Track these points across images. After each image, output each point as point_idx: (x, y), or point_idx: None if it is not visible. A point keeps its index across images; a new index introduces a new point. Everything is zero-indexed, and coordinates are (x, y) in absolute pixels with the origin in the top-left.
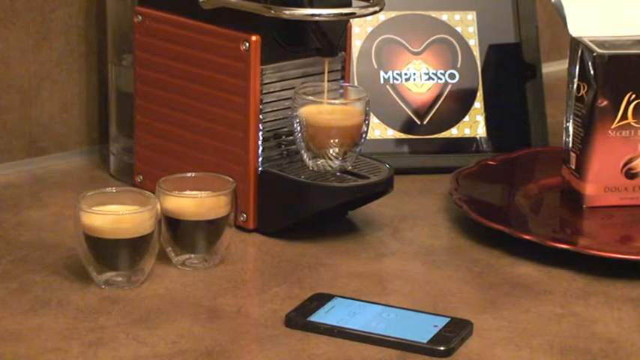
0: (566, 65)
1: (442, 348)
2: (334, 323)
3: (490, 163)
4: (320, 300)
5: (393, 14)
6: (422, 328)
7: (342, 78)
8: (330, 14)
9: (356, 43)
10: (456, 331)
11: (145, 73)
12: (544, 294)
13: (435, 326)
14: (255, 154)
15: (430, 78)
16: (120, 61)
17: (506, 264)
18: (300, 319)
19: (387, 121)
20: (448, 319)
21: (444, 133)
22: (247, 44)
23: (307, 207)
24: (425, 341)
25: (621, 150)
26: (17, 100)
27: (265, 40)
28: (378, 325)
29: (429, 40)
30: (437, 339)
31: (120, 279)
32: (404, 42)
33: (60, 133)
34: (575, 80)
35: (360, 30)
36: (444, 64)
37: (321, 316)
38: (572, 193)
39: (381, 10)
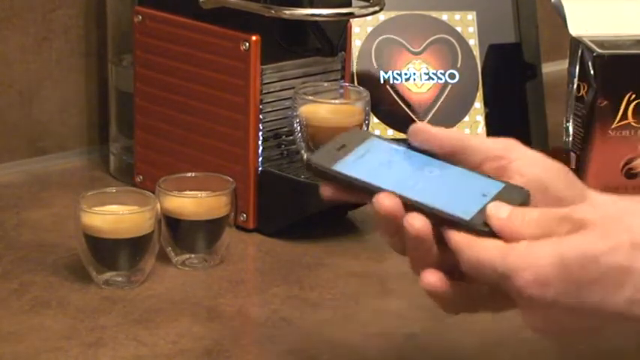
0: (566, 65)
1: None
2: (360, 177)
3: None
4: (350, 143)
5: (393, 14)
6: (468, 197)
7: (342, 78)
8: (329, 14)
9: (356, 43)
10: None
11: (145, 73)
12: None
13: (484, 195)
14: (255, 154)
15: (430, 78)
16: (120, 61)
17: None
18: (321, 165)
19: (387, 121)
20: (502, 185)
21: None
22: (247, 44)
23: (307, 207)
24: (468, 217)
25: (621, 150)
26: (17, 100)
27: (265, 40)
28: (416, 186)
29: (429, 40)
30: (481, 215)
31: (120, 279)
32: (404, 42)
33: (60, 133)
34: (575, 80)
35: (360, 30)
36: (444, 64)
37: (347, 165)
38: None
39: (381, 10)
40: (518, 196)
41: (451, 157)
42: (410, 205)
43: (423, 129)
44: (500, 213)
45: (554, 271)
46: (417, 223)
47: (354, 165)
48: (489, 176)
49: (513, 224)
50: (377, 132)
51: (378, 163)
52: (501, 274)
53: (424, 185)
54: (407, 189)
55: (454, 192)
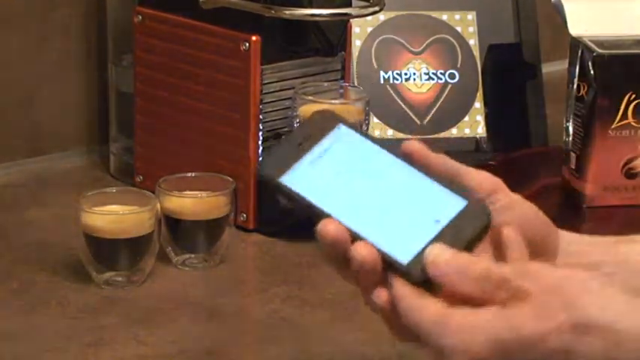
0: (566, 65)
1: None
2: (307, 195)
3: (490, 163)
4: (314, 134)
5: (393, 14)
6: (417, 225)
7: (342, 78)
8: (329, 14)
9: (356, 43)
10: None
11: (145, 73)
12: None
13: (437, 222)
14: (255, 154)
15: (430, 78)
16: (120, 61)
17: None
18: (270, 176)
19: (387, 121)
20: (463, 205)
21: (444, 133)
22: (247, 44)
23: None
24: (407, 260)
25: (621, 150)
26: (17, 100)
27: (265, 40)
28: (365, 208)
29: (429, 40)
30: (422, 258)
31: (120, 279)
32: (404, 42)
33: (60, 133)
34: (575, 80)
35: (360, 30)
36: (444, 64)
37: (299, 174)
38: (572, 193)
39: (380, 10)
40: (475, 221)
41: None
42: (354, 236)
43: (419, 151)
44: (442, 257)
45: (490, 355)
46: (363, 251)
47: (307, 173)
48: (454, 189)
49: (451, 278)
50: (377, 132)
51: (333, 170)
52: (436, 350)
53: (374, 206)
54: (354, 213)
55: (404, 218)
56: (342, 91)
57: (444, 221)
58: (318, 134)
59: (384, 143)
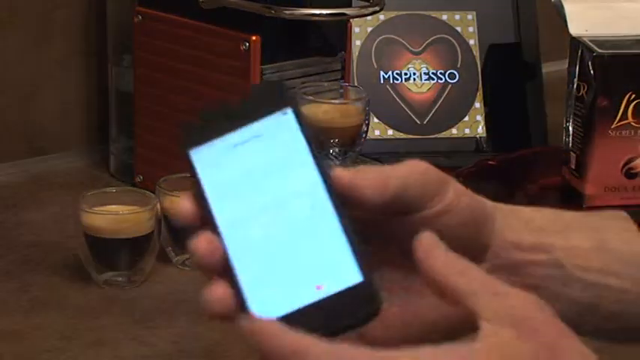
0: (566, 65)
1: None
2: (204, 181)
3: (490, 163)
4: (256, 109)
5: (393, 14)
6: (295, 287)
7: (342, 78)
8: (329, 14)
9: (356, 43)
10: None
11: (145, 73)
12: None
13: (318, 289)
14: None
15: (430, 78)
16: (120, 61)
17: None
18: (188, 142)
19: (387, 121)
20: (354, 283)
21: (444, 133)
22: (247, 44)
23: None
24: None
25: (621, 150)
26: (17, 100)
27: (265, 40)
28: (254, 233)
29: (429, 40)
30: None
31: (120, 279)
32: (404, 42)
33: (60, 133)
34: (575, 80)
35: (360, 30)
36: (444, 64)
37: (213, 153)
38: (572, 193)
39: (380, 10)
40: (359, 308)
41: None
42: (226, 265)
43: (347, 185)
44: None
45: None
46: (217, 293)
47: (221, 157)
48: (358, 257)
49: None
50: (377, 132)
51: (248, 167)
52: None
53: (266, 238)
54: (241, 236)
55: (288, 269)
56: (342, 91)
57: (325, 292)
58: (258, 112)
59: (321, 158)
